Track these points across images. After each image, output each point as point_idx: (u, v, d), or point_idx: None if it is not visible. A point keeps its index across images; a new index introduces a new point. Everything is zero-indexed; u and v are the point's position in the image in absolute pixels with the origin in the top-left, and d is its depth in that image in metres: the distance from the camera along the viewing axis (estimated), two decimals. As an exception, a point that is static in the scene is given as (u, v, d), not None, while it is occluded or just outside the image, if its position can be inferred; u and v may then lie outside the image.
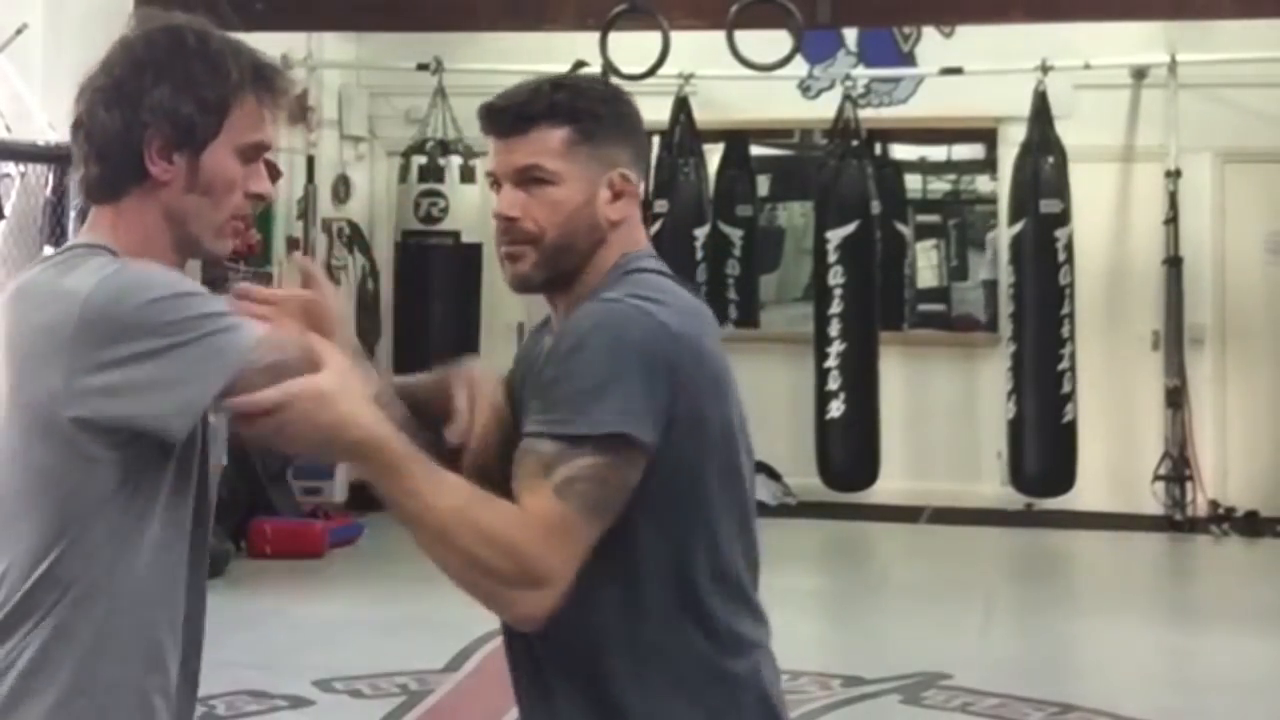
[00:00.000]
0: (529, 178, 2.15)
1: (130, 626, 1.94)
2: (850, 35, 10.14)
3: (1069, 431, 9.52)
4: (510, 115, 2.16)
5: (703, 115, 10.13)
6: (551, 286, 2.19)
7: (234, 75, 2.01)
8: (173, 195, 2.00)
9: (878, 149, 10.96)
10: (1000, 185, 10.22)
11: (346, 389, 1.92)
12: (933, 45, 10.09)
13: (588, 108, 2.17)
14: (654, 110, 9.86)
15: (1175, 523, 9.43)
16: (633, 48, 7.82)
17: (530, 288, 2.19)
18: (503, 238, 2.18)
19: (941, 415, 10.23)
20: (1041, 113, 9.55)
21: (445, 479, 1.98)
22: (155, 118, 1.97)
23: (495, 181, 2.20)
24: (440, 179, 9.87)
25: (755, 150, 11.40)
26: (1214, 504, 9.55)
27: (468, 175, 9.81)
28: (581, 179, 2.15)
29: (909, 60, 10.28)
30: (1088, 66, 9.45)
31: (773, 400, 10.04)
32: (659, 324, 2.07)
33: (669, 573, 2.10)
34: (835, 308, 9.76)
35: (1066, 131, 9.56)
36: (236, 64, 2.01)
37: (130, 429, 1.88)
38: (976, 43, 9.65)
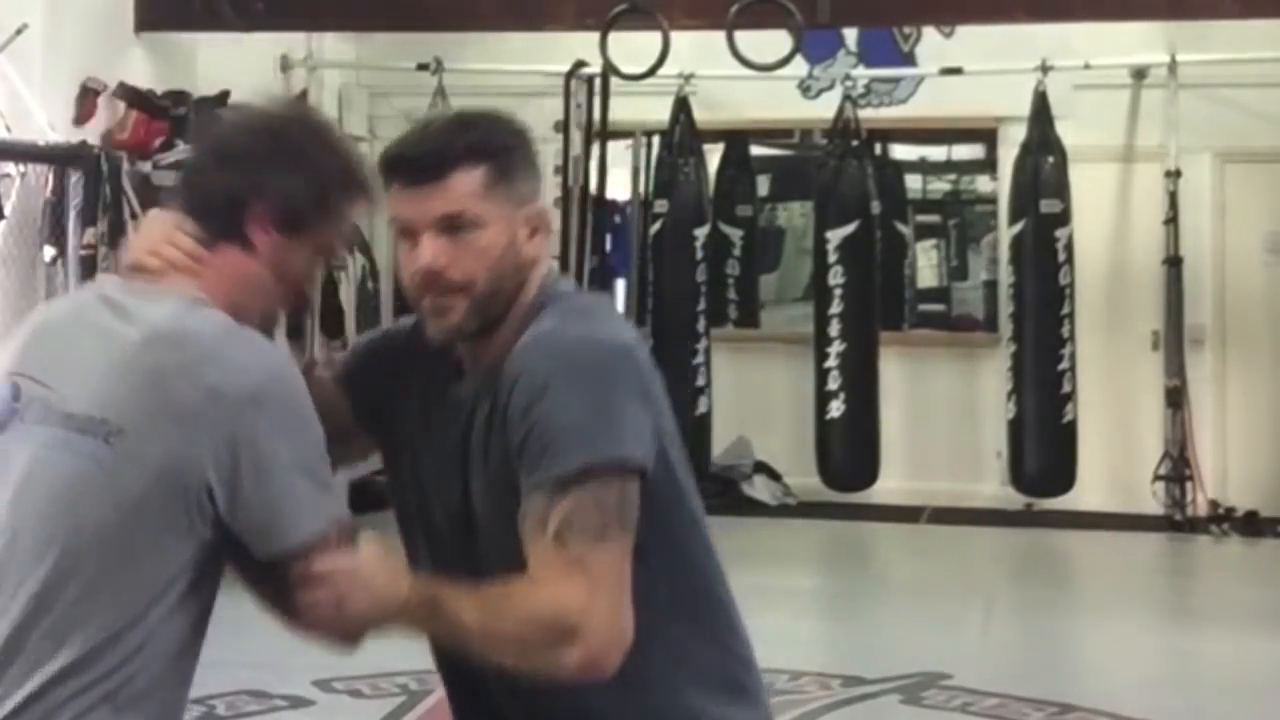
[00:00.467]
0: (452, 225, 2.05)
1: (161, 696, 1.93)
2: (850, 35, 10.12)
3: (1069, 431, 9.51)
4: (431, 161, 2.06)
5: (703, 115, 10.12)
6: (480, 335, 2.09)
7: (353, 182, 2.05)
8: (259, 266, 2.02)
9: (878, 149, 10.93)
10: (1000, 185, 10.21)
11: (387, 567, 1.98)
12: (933, 45, 10.08)
13: (502, 144, 2.10)
14: (654, 110, 9.98)
15: (1175, 523, 9.41)
16: (633, 48, 7.81)
17: (462, 338, 2.10)
18: (427, 291, 2.07)
19: (941, 415, 10.22)
20: (1041, 113, 9.54)
21: (467, 599, 1.98)
22: (272, 192, 2.00)
23: (404, 231, 2.09)
24: (440, 179, 9.86)
25: (755, 150, 11.39)
26: (1214, 504, 9.54)
27: (468, 175, 9.80)
28: (502, 219, 2.07)
29: (909, 60, 10.27)
30: (1088, 66, 9.44)
31: (773, 400, 10.05)
32: (609, 344, 2.04)
33: (684, 586, 2.12)
34: (835, 308, 9.74)
35: (1066, 131, 9.55)
36: (358, 171, 2.06)
37: (243, 525, 1.90)
38: (976, 43, 9.63)
